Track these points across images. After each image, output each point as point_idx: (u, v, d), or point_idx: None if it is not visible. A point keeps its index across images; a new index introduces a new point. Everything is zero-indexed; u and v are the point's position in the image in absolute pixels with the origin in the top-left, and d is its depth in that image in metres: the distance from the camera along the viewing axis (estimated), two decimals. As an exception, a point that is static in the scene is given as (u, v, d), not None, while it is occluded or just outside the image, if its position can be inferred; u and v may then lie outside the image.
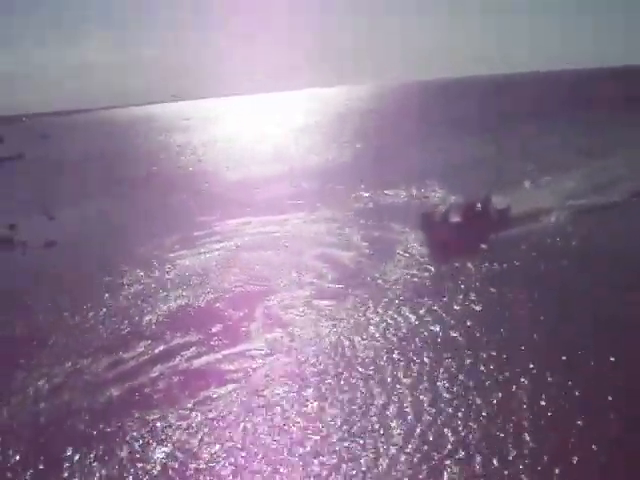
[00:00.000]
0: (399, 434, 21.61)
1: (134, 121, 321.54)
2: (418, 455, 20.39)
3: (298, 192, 68.06)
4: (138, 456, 22.00)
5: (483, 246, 40.96)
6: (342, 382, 25.52)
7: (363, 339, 29.12)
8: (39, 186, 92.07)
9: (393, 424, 22.24)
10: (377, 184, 65.17)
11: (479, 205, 45.45)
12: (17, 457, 22.63)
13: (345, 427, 22.41)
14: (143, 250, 48.11)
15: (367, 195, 62.02)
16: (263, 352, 28.84)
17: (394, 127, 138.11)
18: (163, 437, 22.98)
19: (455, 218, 43.95)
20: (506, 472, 19.28)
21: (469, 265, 37.70)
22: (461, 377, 24.99)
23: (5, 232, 58.77)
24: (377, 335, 29.47)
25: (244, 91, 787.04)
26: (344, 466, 20.27)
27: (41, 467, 21.94)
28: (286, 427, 22.81)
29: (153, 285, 39.90)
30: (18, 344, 32.32)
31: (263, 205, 61.79)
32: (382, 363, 26.77)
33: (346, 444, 21.35)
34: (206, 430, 23.12)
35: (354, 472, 19.96)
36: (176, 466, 21.24)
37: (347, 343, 28.84)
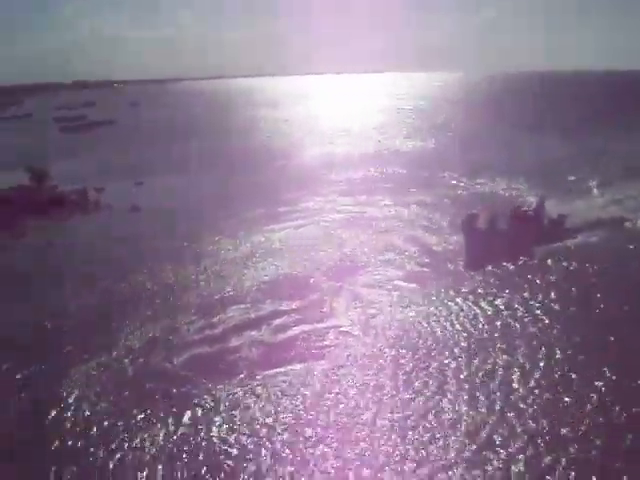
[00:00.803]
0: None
1: (225, 93, 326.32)
2: (495, 432, 19.95)
3: (384, 175, 67.42)
4: (205, 420, 22.42)
5: (530, 254, 37.40)
6: (420, 366, 25.23)
7: (445, 325, 28.69)
8: (127, 152, 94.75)
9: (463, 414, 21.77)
10: (462, 173, 63.66)
11: (531, 211, 41.64)
12: (97, 409, 23.61)
13: (420, 409, 22.30)
14: (230, 222, 48.51)
15: (454, 183, 60.68)
16: (346, 329, 28.79)
17: (479, 118, 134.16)
18: (236, 403, 23.34)
19: (501, 224, 39.71)
20: None
21: (537, 264, 36.15)
22: (534, 372, 24.34)
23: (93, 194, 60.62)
24: (458, 322, 29.00)
25: (342, 70, 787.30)
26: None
27: (114, 421, 22.75)
28: (357, 407, 22.70)
29: (242, 255, 40.40)
30: (113, 303, 33.36)
31: (348, 185, 61.51)
32: (460, 350, 26.39)
33: (421, 424, 21.14)
34: (279, 402, 23.29)
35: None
36: (241, 437, 21.46)
37: (429, 328, 28.44)
